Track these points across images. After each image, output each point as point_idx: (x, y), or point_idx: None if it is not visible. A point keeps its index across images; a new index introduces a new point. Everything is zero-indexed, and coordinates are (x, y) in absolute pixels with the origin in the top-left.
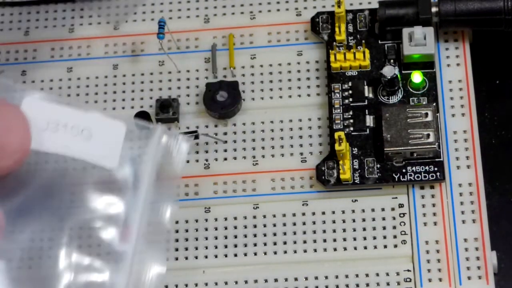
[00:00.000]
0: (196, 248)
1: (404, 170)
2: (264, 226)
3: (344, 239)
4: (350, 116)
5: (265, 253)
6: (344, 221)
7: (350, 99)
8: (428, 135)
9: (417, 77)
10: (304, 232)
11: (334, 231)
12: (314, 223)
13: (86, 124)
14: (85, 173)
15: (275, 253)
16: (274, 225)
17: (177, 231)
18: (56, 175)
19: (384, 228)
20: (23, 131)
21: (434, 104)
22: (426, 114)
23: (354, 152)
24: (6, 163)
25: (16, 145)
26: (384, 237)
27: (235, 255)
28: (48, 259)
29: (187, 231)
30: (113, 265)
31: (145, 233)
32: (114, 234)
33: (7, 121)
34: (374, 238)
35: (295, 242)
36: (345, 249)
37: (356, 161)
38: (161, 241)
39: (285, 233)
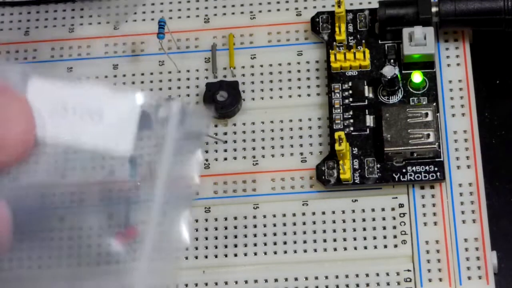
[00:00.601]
0: (196, 248)
1: (404, 170)
2: (264, 226)
3: (344, 239)
4: (350, 116)
5: (265, 253)
6: (344, 221)
7: (350, 99)
8: (428, 135)
9: (417, 77)
10: (304, 232)
11: (334, 231)
12: (314, 223)
13: (96, 105)
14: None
15: (275, 253)
16: (274, 225)
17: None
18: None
19: (384, 228)
20: (25, 121)
21: (434, 104)
22: (426, 114)
23: (354, 152)
24: (8, 156)
25: (17, 137)
26: (384, 237)
27: (235, 255)
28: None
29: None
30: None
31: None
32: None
33: (8, 111)
34: (374, 238)
35: (295, 242)
36: (345, 249)
37: (356, 161)
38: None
39: (285, 233)
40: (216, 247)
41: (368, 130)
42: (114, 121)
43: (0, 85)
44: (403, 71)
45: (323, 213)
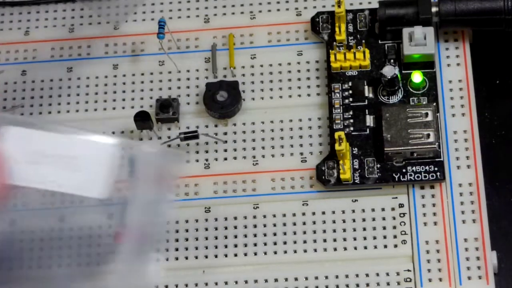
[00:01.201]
0: (196, 248)
1: (404, 170)
2: (264, 226)
3: (344, 239)
4: (350, 116)
5: (265, 253)
6: (344, 221)
7: (350, 99)
8: (428, 135)
9: (417, 77)
10: (304, 232)
11: (334, 231)
12: (314, 223)
13: (72, 152)
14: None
15: (275, 253)
16: (274, 225)
17: (177, 231)
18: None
19: (384, 228)
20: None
21: (434, 104)
22: (426, 114)
23: (354, 152)
24: None
25: None
26: (384, 237)
27: (235, 255)
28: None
29: (187, 231)
30: (106, 266)
31: (143, 233)
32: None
33: None
34: (374, 238)
35: (295, 242)
36: (345, 249)
37: (356, 161)
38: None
39: (285, 233)
40: (216, 247)
41: (368, 130)
42: (90, 166)
43: None
44: (403, 71)
45: (323, 213)
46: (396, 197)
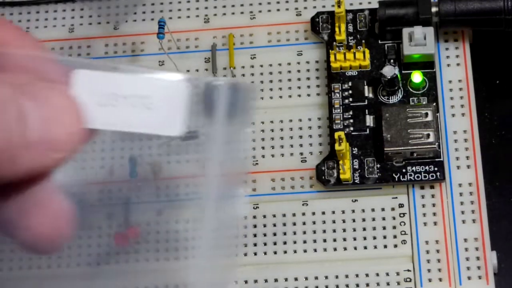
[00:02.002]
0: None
1: (404, 170)
2: (264, 226)
3: (344, 239)
4: (350, 116)
5: (265, 253)
6: (344, 221)
7: (350, 99)
8: (428, 135)
9: (417, 77)
10: (304, 232)
11: (334, 231)
12: (314, 223)
13: (145, 91)
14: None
15: (275, 253)
16: (274, 225)
17: (176, 232)
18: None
19: (384, 228)
20: (72, 117)
21: (434, 104)
22: (426, 114)
23: (354, 152)
24: (56, 156)
25: (66, 135)
26: (384, 237)
27: (235, 255)
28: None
29: (187, 231)
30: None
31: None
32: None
33: (54, 110)
34: (374, 238)
35: (295, 242)
36: (345, 249)
37: (356, 161)
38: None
39: (285, 233)
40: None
41: (368, 130)
42: (164, 104)
43: (46, 79)
44: (403, 71)
45: (323, 213)
46: (396, 197)
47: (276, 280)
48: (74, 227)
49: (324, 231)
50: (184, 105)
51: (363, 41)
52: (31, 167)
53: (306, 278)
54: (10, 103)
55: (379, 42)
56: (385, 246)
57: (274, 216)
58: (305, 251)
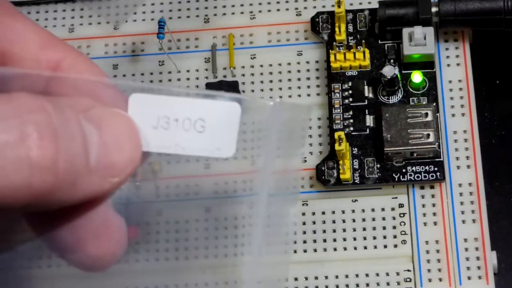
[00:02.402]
0: (196, 249)
1: (404, 170)
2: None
3: (344, 239)
4: (350, 116)
5: None
6: (344, 221)
7: (350, 99)
8: (428, 135)
9: (417, 77)
10: (304, 232)
11: (334, 231)
12: (314, 223)
13: (198, 114)
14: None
15: None
16: None
17: (177, 232)
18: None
19: (384, 228)
20: (132, 143)
21: (434, 104)
22: (426, 114)
23: (354, 152)
24: (115, 181)
25: (126, 160)
26: (384, 237)
27: (235, 255)
28: None
29: (187, 231)
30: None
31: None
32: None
33: (115, 135)
34: (374, 238)
35: (295, 242)
36: (345, 249)
37: (356, 161)
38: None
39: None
40: (216, 247)
41: (368, 130)
42: (216, 128)
43: (104, 103)
44: (403, 71)
45: (323, 213)
46: (396, 197)
47: None
48: (126, 243)
49: (324, 231)
50: (236, 126)
51: (363, 41)
52: (90, 192)
53: (306, 278)
54: (74, 128)
55: (379, 42)
56: (385, 246)
57: None
58: (305, 251)
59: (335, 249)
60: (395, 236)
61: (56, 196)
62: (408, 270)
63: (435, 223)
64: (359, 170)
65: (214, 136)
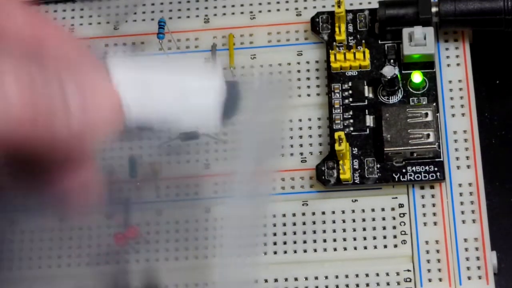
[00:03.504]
0: (196, 249)
1: (404, 170)
2: (264, 226)
3: (344, 239)
4: (350, 116)
5: (265, 253)
6: (344, 221)
7: (350, 99)
8: (428, 135)
9: (417, 77)
10: (304, 232)
11: (334, 231)
12: (314, 223)
13: (181, 82)
14: None
15: (275, 253)
16: (274, 225)
17: (177, 231)
18: None
19: (384, 228)
20: (114, 101)
21: (434, 104)
22: (426, 114)
23: (354, 152)
24: (98, 136)
25: (107, 120)
26: (384, 237)
27: None
28: None
29: (187, 231)
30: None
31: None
32: None
33: (99, 91)
34: (374, 238)
35: (295, 242)
36: (345, 249)
37: (356, 161)
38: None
39: (285, 233)
40: (215, 247)
41: (368, 130)
42: (199, 97)
43: (92, 62)
44: (403, 71)
45: (323, 213)
46: (396, 197)
47: (276, 280)
48: (102, 201)
49: (324, 231)
50: (219, 102)
51: (363, 41)
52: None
53: (306, 278)
54: (54, 82)
55: (379, 42)
56: (385, 246)
57: (274, 216)
58: (305, 251)
59: (335, 249)
60: (395, 236)
61: (34, 141)
62: (408, 270)
63: (435, 223)
64: (359, 170)
65: (200, 110)
